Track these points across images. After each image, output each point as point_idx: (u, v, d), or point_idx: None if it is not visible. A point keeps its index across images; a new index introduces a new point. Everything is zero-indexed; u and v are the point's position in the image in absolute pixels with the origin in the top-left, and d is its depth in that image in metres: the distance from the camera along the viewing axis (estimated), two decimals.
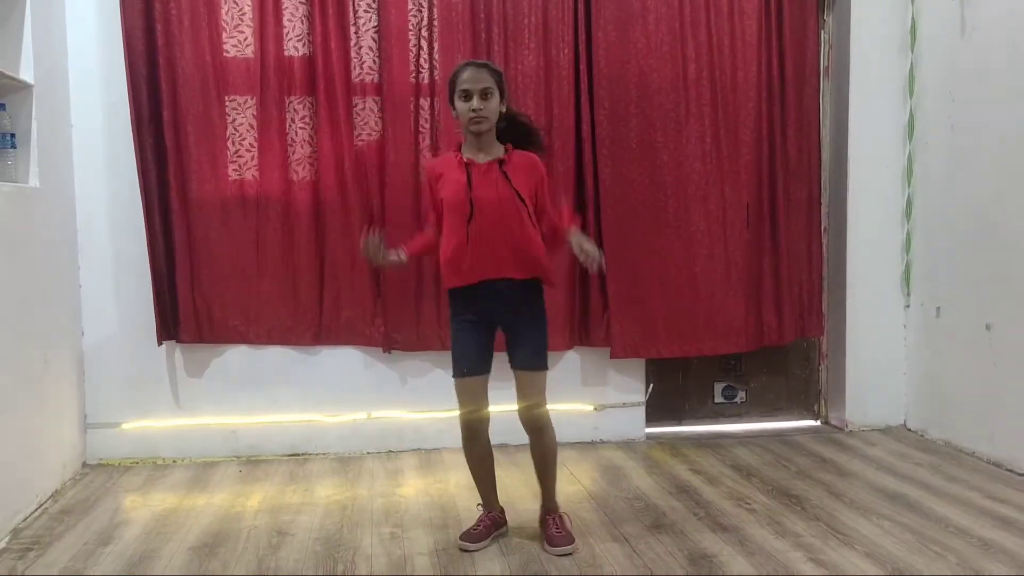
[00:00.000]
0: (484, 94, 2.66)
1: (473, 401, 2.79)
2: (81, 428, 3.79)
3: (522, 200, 2.71)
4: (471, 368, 2.78)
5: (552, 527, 2.84)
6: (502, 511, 2.97)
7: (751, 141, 4.05)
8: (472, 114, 2.66)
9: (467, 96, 2.66)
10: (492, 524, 2.90)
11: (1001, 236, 3.62)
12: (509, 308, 2.76)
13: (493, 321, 2.81)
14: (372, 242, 2.74)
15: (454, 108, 2.73)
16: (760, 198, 4.11)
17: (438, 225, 2.81)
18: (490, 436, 2.88)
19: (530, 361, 2.79)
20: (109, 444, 3.84)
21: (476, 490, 2.96)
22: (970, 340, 3.79)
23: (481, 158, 2.73)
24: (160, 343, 3.79)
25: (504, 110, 2.75)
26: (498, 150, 2.75)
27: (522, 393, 2.80)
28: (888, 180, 4.20)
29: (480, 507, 2.94)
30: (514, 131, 2.82)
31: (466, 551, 2.79)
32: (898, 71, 4.17)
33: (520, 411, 2.81)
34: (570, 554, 2.75)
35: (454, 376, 2.82)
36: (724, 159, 4.03)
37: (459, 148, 2.79)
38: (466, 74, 2.68)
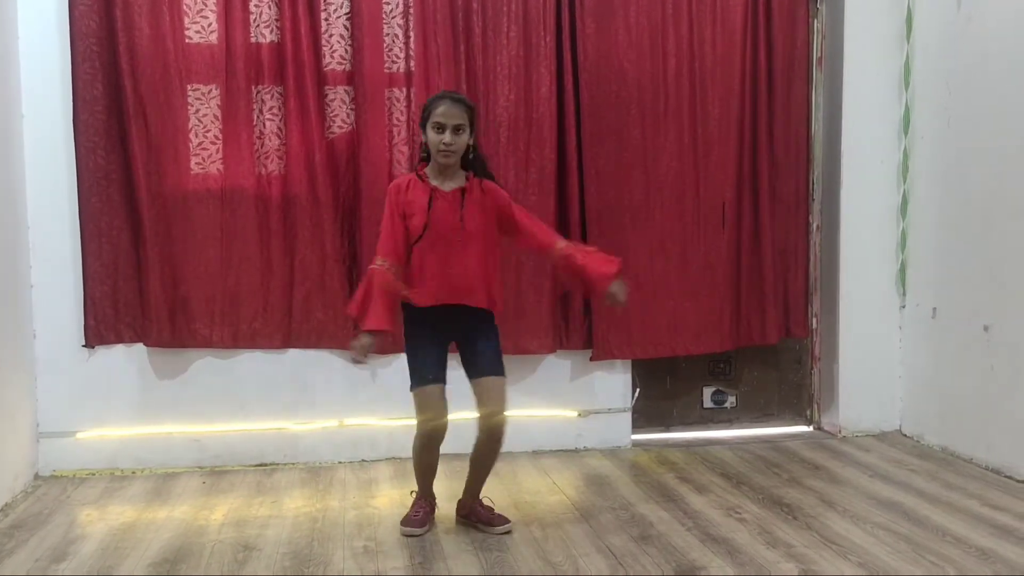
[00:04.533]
0: (456, 129, 2.93)
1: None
2: (33, 437, 3.76)
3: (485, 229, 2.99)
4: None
5: (484, 511, 3.12)
6: (435, 498, 3.21)
7: (730, 138, 4.12)
8: (443, 147, 2.92)
9: (440, 129, 2.93)
10: (431, 510, 3.17)
11: (1000, 234, 3.68)
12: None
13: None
14: (364, 347, 2.97)
15: (425, 134, 2.98)
16: (740, 196, 4.16)
17: (399, 246, 2.98)
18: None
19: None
20: (63, 454, 3.81)
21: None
22: (967, 342, 3.84)
23: (447, 186, 2.99)
24: (93, 346, 3.77)
25: (472, 143, 3.01)
26: (460, 179, 3.01)
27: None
28: (883, 176, 4.25)
29: (414, 494, 3.18)
30: (475, 165, 3.06)
31: (412, 536, 3.04)
32: (894, 62, 4.22)
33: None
34: (510, 532, 3.05)
35: None
36: (700, 157, 4.10)
37: (422, 171, 3.01)
38: (442, 108, 2.93)
